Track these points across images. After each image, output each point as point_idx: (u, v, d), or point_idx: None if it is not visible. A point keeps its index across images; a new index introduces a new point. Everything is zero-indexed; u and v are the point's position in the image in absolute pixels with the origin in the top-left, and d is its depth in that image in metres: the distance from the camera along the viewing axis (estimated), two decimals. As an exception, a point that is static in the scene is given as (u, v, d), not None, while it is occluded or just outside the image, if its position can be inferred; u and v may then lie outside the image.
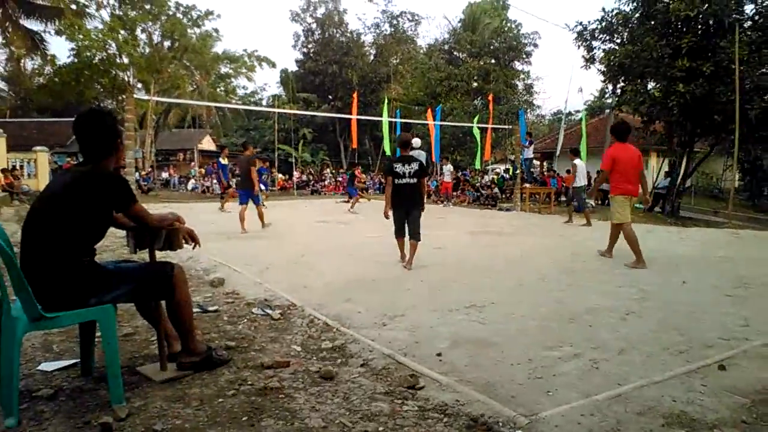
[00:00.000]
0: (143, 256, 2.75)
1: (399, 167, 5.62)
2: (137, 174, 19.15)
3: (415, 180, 5.58)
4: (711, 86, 13.33)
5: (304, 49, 37.99)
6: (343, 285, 4.75)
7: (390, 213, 5.75)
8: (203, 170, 25.85)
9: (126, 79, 26.06)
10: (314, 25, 37.57)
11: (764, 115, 13.50)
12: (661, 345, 3.10)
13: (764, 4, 13.99)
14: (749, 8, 14.41)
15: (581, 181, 11.18)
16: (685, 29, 14.22)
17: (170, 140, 33.03)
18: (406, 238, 5.73)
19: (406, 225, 5.69)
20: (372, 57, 37.25)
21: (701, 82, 13.37)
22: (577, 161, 11.39)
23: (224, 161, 13.56)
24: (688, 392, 2.43)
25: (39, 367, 2.71)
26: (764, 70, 13.93)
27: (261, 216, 9.08)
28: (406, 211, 5.67)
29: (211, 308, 3.90)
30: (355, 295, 4.32)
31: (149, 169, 24.30)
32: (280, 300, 4.16)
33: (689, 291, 4.64)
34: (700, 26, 14.22)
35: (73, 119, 2.41)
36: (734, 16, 13.46)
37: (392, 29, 36.75)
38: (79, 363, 2.67)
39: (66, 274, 2.22)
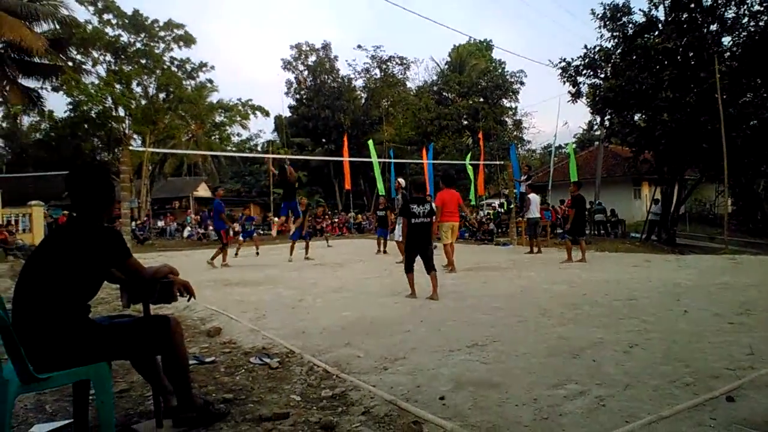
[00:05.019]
0: (139, 308, 2.72)
1: (415, 208, 6.17)
2: (133, 224, 19.15)
3: (429, 219, 6.21)
4: (696, 115, 13.62)
5: (297, 96, 38.87)
6: (342, 328, 4.68)
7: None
8: (198, 217, 25.87)
9: (122, 130, 26.44)
10: (306, 73, 38.57)
11: (749, 143, 13.75)
12: (667, 378, 3.04)
13: (742, 35, 14.47)
14: (727, 40, 14.90)
15: (535, 213, 11.74)
16: (666, 62, 14.64)
17: (166, 189, 33.29)
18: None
19: (416, 260, 6.20)
20: (363, 100, 38.06)
21: (686, 111, 13.67)
22: (531, 195, 11.92)
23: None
24: (698, 426, 2.38)
25: (32, 429, 2.63)
26: (746, 98, 14.27)
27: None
28: (421, 247, 6.20)
29: (207, 359, 3.82)
30: (354, 339, 4.25)
31: (145, 219, 24.28)
32: (278, 347, 4.09)
33: (691, 320, 4.59)
34: (680, 58, 14.65)
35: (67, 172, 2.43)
36: (713, 48, 13.89)
37: (382, 73, 37.72)
38: (72, 423, 2.59)
39: (59, 332, 2.18)
